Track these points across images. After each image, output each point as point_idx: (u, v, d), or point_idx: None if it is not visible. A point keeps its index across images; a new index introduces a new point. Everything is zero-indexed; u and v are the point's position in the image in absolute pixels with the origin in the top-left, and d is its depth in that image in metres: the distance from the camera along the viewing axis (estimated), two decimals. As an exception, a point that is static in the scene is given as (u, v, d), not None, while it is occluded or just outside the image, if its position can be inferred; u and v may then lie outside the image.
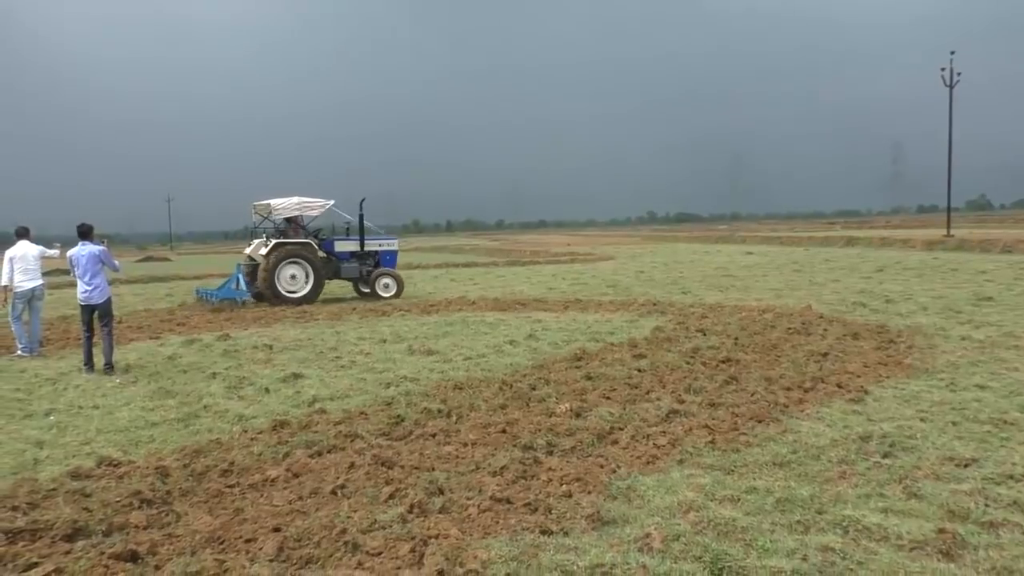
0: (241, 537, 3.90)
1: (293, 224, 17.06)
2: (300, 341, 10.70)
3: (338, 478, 4.71)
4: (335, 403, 6.88)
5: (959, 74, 35.18)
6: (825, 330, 10.12)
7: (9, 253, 10.16)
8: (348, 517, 4.09)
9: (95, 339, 9.05)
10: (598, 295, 16.46)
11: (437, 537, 3.79)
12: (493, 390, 7.04)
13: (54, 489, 4.62)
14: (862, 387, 6.83)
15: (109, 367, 8.73)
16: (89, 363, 8.81)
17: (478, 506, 4.19)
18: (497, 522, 4.01)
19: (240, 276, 16.37)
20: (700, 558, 3.49)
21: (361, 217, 17.56)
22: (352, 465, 4.96)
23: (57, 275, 21.75)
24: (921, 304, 12.68)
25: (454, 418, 6.15)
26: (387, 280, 17.31)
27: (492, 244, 62.44)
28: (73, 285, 9.30)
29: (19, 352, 10.07)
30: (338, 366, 8.77)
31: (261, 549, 3.73)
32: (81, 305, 9.04)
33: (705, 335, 9.91)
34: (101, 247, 9.15)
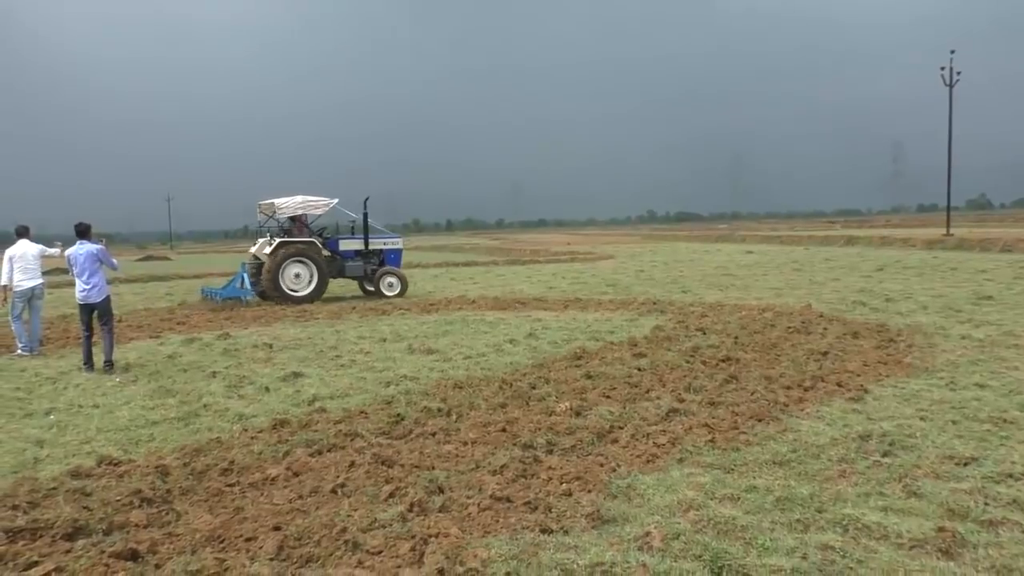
0: (241, 536, 3.89)
1: (297, 223, 17.06)
2: (300, 340, 10.70)
3: (338, 477, 4.71)
4: (335, 402, 6.88)
5: (959, 74, 35.25)
6: (825, 329, 10.12)
7: (9, 252, 10.16)
8: (348, 516, 4.09)
9: (95, 338, 9.06)
10: (598, 294, 16.46)
11: (437, 536, 3.79)
12: (493, 389, 7.04)
13: (54, 488, 4.62)
14: (862, 386, 6.82)
15: (109, 365, 8.74)
16: (89, 362, 8.82)
17: (478, 505, 4.19)
18: (497, 521, 4.01)
19: (245, 275, 16.39)
20: (700, 557, 3.49)
21: (365, 216, 17.52)
22: (352, 464, 4.96)
23: (57, 274, 21.73)
24: (921, 303, 12.68)
25: (454, 417, 6.15)
26: (392, 279, 17.29)
27: (492, 243, 62.49)
28: (73, 284, 9.30)
29: (19, 351, 10.08)
30: (338, 365, 8.77)
31: (261, 548, 3.73)
32: (80, 304, 9.04)
33: (705, 334, 9.91)
34: (99, 246, 9.15)
